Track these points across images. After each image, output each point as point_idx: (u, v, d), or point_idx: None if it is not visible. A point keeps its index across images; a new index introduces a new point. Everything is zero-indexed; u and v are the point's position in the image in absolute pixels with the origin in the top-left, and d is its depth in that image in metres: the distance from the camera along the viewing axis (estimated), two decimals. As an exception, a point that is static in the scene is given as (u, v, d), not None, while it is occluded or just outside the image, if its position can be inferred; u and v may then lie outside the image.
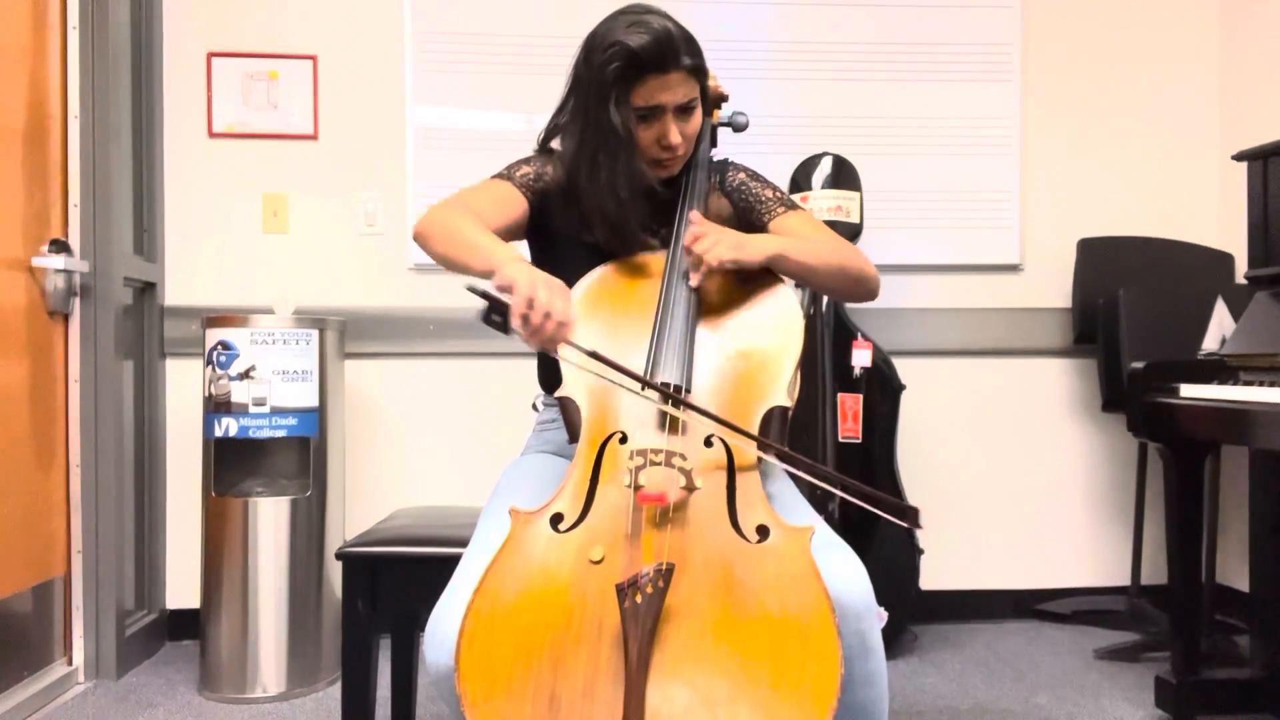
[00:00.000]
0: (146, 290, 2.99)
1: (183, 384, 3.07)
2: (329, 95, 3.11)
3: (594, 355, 1.31)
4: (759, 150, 3.00)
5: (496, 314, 1.30)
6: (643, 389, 1.35)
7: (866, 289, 1.65)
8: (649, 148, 1.58)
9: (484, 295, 1.29)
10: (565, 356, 1.36)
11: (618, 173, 1.56)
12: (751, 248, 1.51)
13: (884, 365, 2.92)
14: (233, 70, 3.07)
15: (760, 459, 1.36)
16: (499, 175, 1.67)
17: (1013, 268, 3.29)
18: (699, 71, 1.56)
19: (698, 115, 1.60)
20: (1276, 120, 3.10)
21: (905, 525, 1.33)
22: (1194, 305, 2.78)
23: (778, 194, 1.71)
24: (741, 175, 1.74)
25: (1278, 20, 3.11)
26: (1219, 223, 3.34)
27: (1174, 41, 3.35)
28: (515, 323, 1.28)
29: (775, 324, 1.49)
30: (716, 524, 1.27)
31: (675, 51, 1.51)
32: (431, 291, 3.12)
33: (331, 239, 3.12)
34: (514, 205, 1.63)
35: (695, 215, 1.55)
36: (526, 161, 1.68)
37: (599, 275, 1.57)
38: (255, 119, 3.08)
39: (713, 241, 1.48)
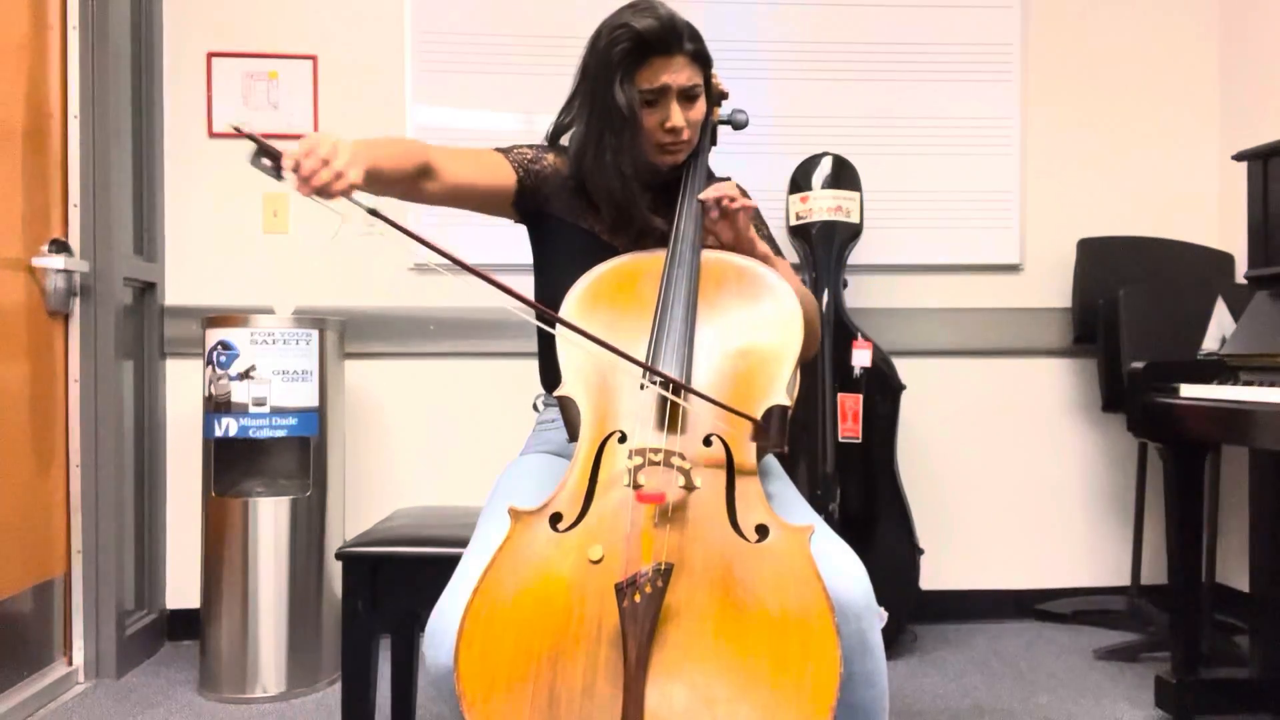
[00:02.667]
0: (146, 290, 2.99)
1: (183, 384, 3.07)
2: (329, 95, 3.11)
3: (373, 212, 1.26)
4: (759, 150, 3.01)
5: (268, 157, 1.23)
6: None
7: (814, 343, 1.70)
8: (654, 131, 1.60)
9: (253, 138, 1.23)
10: (339, 211, 1.29)
11: (622, 150, 1.59)
12: (759, 242, 1.59)
13: (884, 365, 2.92)
14: (233, 70, 3.07)
15: (759, 446, 1.37)
16: (496, 149, 1.70)
17: (1013, 268, 3.29)
18: (702, 58, 1.61)
19: (701, 104, 1.63)
20: (1276, 120, 3.10)
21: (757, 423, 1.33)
22: (1194, 305, 2.78)
23: (771, 238, 1.76)
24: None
25: (1278, 20, 3.11)
26: (1219, 223, 3.34)
27: (1174, 42, 3.35)
28: (286, 165, 1.23)
29: (775, 322, 1.49)
30: (716, 523, 1.27)
31: (680, 35, 1.56)
32: (431, 291, 3.12)
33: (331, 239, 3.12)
34: (492, 171, 1.65)
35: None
36: (530, 146, 1.72)
37: (598, 272, 1.57)
38: (255, 119, 3.08)
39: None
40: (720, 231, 1.61)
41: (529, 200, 1.70)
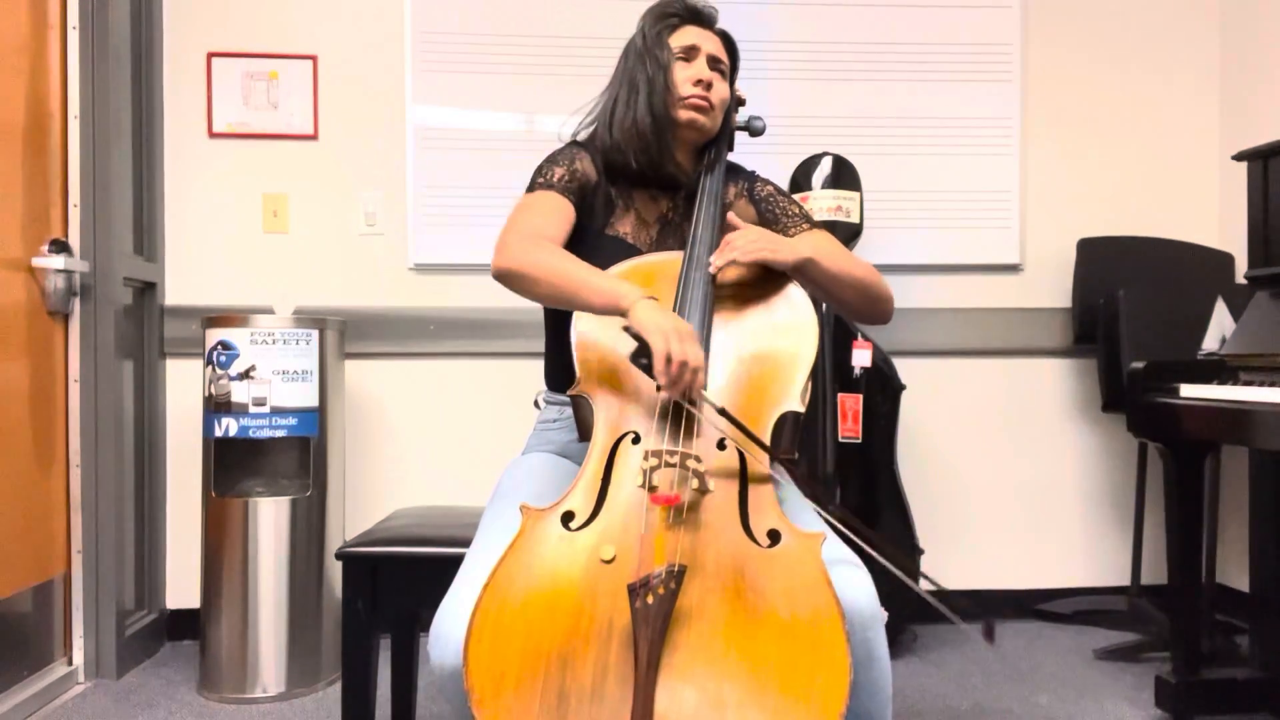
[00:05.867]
0: (146, 290, 2.99)
1: (183, 384, 3.07)
2: (329, 95, 3.11)
3: (723, 412, 1.34)
4: (759, 150, 2.99)
5: (644, 357, 1.33)
6: (771, 462, 1.37)
7: (883, 310, 1.70)
8: (682, 84, 1.68)
9: (636, 337, 1.34)
10: (695, 409, 1.37)
11: (655, 86, 1.68)
12: (785, 249, 1.54)
13: (884, 365, 2.93)
14: (233, 70, 3.06)
15: (774, 479, 1.36)
16: (539, 186, 1.67)
17: (1013, 268, 3.30)
18: (731, 49, 1.79)
19: (725, 85, 1.74)
20: (1276, 120, 3.11)
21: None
22: (1194, 305, 2.79)
23: (803, 211, 1.76)
24: (770, 188, 1.79)
25: (1278, 20, 3.12)
26: (1219, 223, 3.35)
27: (1174, 42, 3.35)
28: (658, 371, 1.32)
29: (791, 329, 1.49)
30: (728, 527, 1.27)
31: (715, 20, 1.78)
32: (431, 291, 3.12)
33: (331, 239, 3.11)
34: (567, 214, 1.65)
35: (732, 216, 1.62)
36: (555, 162, 1.70)
37: (614, 273, 1.56)
38: (255, 119, 3.07)
39: (747, 239, 1.53)
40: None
41: (577, 214, 1.69)
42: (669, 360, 1.31)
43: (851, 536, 1.34)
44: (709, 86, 1.69)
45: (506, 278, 1.51)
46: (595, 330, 1.47)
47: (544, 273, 1.47)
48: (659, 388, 1.38)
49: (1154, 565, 3.23)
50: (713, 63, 1.72)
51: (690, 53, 1.70)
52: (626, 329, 1.35)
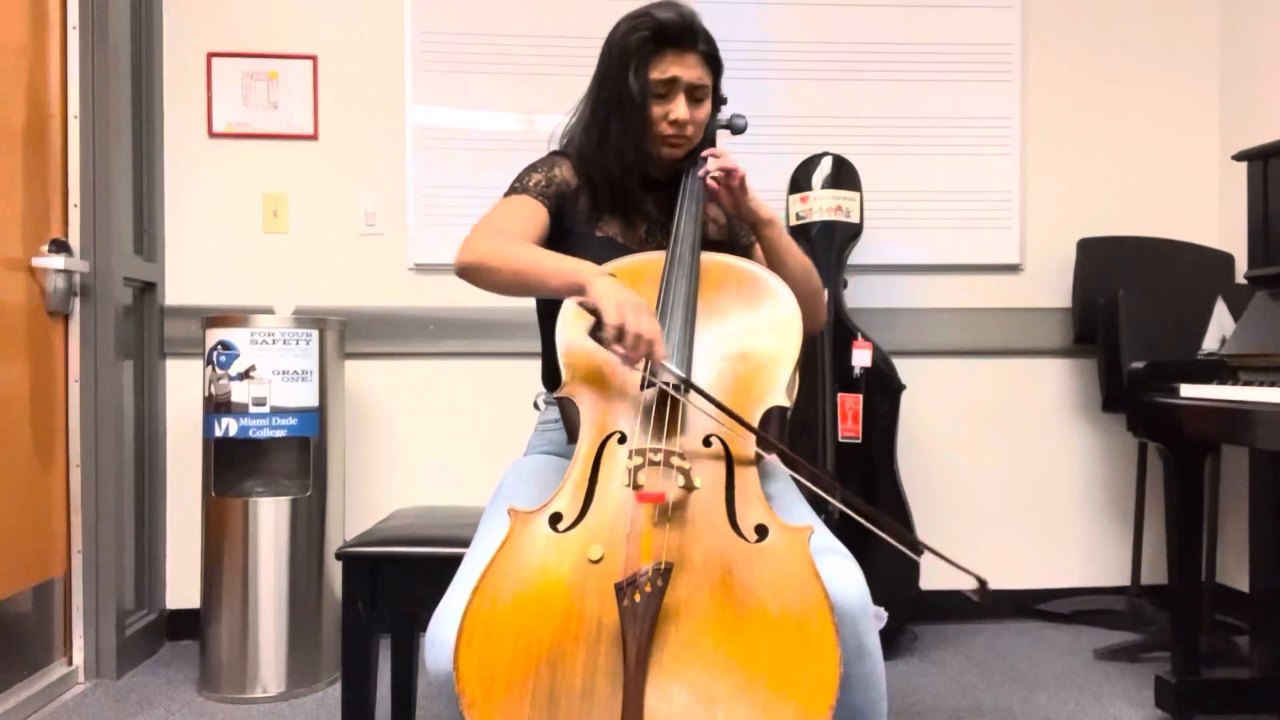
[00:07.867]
0: (146, 290, 2.99)
1: (183, 384, 3.07)
2: (329, 95, 3.11)
3: (685, 382, 1.35)
4: (759, 150, 3.01)
5: (601, 330, 1.34)
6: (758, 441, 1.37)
7: (816, 312, 1.73)
8: (658, 123, 1.64)
9: (593, 311, 1.35)
10: (657, 380, 1.37)
11: (627, 136, 1.63)
12: (758, 202, 1.64)
13: (884, 365, 2.92)
14: (233, 70, 3.07)
15: (759, 456, 1.36)
16: (514, 190, 1.69)
17: (1013, 268, 3.29)
18: (714, 62, 1.66)
19: (707, 106, 1.68)
20: (1276, 120, 3.10)
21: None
22: (1194, 305, 2.78)
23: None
24: None
25: (1278, 20, 3.11)
26: (1219, 223, 3.34)
27: (1174, 42, 3.35)
28: (609, 337, 1.32)
29: (774, 325, 1.49)
30: (715, 523, 1.27)
31: (695, 35, 1.62)
32: (431, 291, 3.12)
33: (331, 239, 3.12)
34: (539, 216, 1.66)
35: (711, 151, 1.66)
36: (534, 169, 1.72)
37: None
38: (255, 119, 3.08)
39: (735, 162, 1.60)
40: (720, 198, 1.65)
41: (555, 222, 1.70)
42: (622, 332, 1.31)
43: (857, 519, 1.34)
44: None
45: (467, 271, 1.52)
46: (578, 332, 1.47)
47: (504, 261, 1.48)
48: (643, 385, 1.39)
49: (1154, 565, 3.22)
50: (692, 92, 1.64)
51: (669, 88, 1.62)
52: (582, 304, 1.36)
